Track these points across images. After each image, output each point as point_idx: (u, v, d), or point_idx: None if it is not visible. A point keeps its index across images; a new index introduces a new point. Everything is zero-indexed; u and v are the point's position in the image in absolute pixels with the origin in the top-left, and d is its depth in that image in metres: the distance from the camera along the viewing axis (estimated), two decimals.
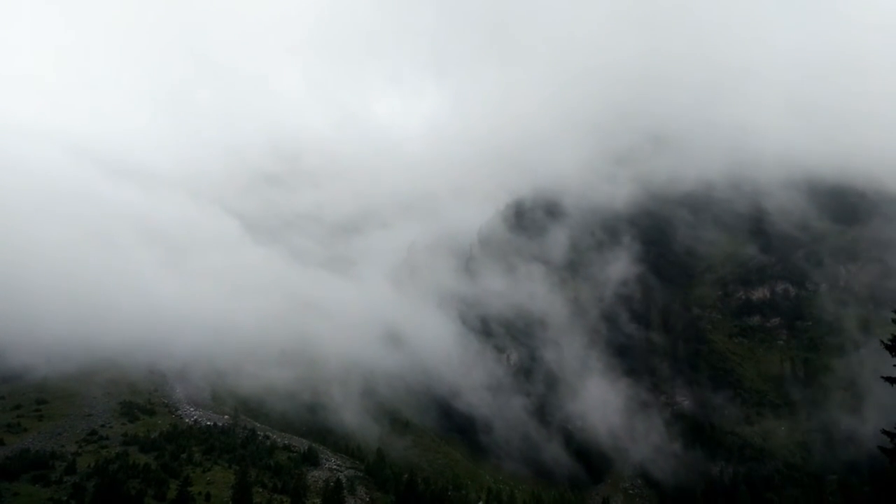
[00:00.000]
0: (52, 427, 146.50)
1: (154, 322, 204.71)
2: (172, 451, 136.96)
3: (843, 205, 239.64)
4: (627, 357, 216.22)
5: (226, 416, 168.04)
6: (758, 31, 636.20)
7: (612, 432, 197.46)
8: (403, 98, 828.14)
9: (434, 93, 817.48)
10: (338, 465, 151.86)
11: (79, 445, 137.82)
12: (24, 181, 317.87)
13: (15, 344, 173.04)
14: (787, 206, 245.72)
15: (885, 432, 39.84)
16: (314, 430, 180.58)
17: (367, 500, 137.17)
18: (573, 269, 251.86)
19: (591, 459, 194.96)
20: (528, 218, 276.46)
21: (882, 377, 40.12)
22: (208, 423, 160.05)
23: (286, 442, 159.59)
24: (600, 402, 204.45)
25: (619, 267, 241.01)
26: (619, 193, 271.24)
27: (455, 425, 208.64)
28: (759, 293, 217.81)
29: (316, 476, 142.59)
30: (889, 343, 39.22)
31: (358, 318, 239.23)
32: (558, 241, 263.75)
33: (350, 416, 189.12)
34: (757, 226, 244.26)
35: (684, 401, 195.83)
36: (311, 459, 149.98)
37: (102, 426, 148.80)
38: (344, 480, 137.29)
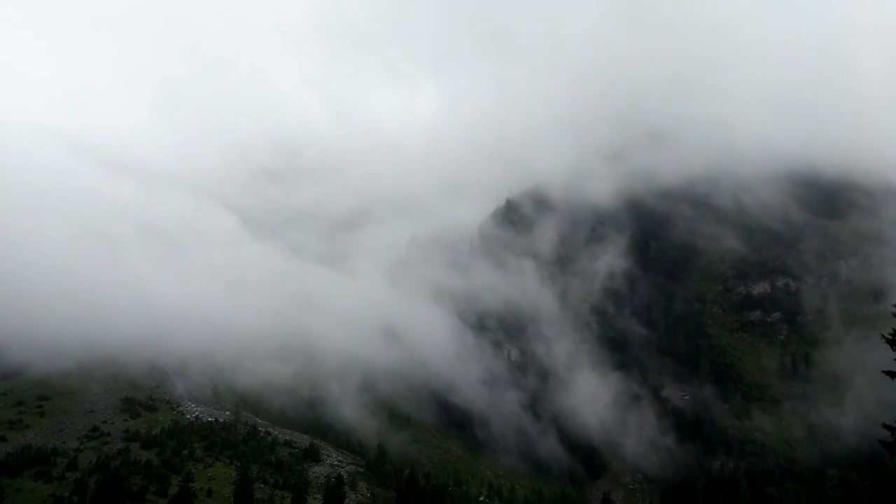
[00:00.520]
0: (54, 423, 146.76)
1: (152, 318, 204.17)
2: (174, 448, 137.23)
3: (830, 199, 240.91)
4: (627, 352, 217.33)
5: (227, 413, 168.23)
6: (740, 26, 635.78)
7: (608, 427, 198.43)
8: (401, 94, 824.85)
9: (431, 89, 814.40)
10: (339, 461, 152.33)
11: (80, 442, 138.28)
12: (22, 177, 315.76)
13: (13, 340, 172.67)
14: (769, 200, 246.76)
15: (885, 426, 39.84)
16: (313, 425, 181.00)
17: (369, 495, 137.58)
18: (561, 263, 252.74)
19: (587, 454, 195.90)
20: (525, 214, 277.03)
21: (883, 371, 40.39)
22: (210, 419, 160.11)
23: (287, 438, 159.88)
24: (598, 396, 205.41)
25: (619, 263, 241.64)
26: (616, 189, 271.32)
27: (453, 419, 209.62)
28: (760, 288, 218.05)
29: (317, 472, 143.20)
30: (890, 337, 39.48)
31: (356, 313, 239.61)
32: (552, 236, 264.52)
33: (349, 410, 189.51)
34: (757, 221, 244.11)
35: (683, 395, 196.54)
36: (312, 455, 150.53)
37: (104, 422, 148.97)
38: (345, 476, 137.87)
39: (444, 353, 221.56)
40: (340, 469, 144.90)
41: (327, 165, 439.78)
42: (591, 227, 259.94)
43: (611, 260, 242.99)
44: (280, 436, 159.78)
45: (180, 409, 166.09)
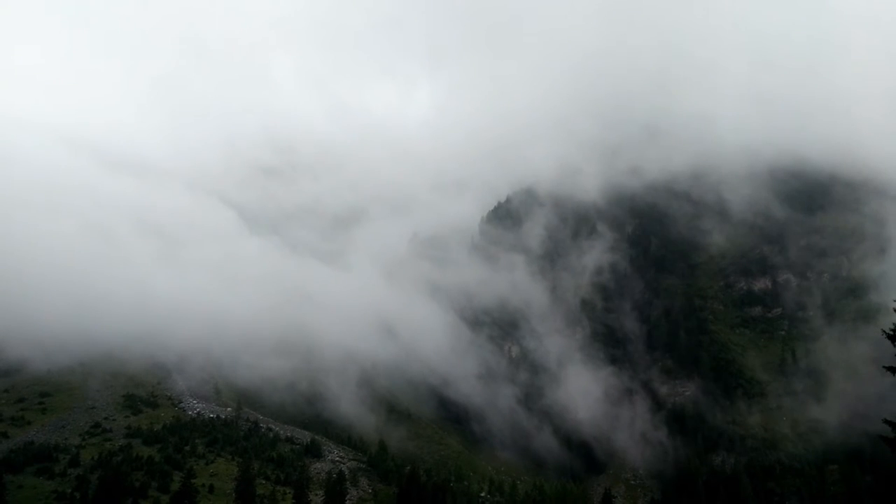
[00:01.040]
0: (56, 420, 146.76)
1: (151, 314, 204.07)
2: (176, 444, 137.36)
3: (813, 194, 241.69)
4: (619, 347, 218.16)
5: (228, 409, 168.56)
6: (724, 24, 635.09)
7: (600, 421, 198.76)
8: (397, 91, 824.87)
9: (426, 86, 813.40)
10: (340, 457, 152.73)
11: (82, 438, 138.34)
12: (20, 173, 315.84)
13: (12, 337, 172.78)
14: (753, 196, 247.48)
15: (886, 422, 39.91)
16: (313, 420, 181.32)
17: (370, 491, 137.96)
18: (551, 259, 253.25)
19: (584, 449, 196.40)
20: (519, 211, 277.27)
21: (884, 367, 40.77)
22: (211, 415, 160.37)
23: (289, 434, 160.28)
24: (590, 391, 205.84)
25: (609, 258, 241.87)
26: (606, 185, 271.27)
27: (451, 414, 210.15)
28: (761, 284, 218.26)
29: (319, 468, 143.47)
30: (891, 332, 39.87)
31: (353, 309, 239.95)
32: (543, 232, 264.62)
33: (347, 406, 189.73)
34: (741, 216, 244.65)
35: (684, 391, 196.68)
36: (313, 451, 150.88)
37: (106, 419, 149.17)
38: (346, 472, 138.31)
39: (440, 349, 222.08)
40: (342, 465, 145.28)
41: (324, 162, 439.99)
42: (581, 222, 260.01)
43: (600, 255, 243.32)
44: (281, 432, 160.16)
45: (182, 405, 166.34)
